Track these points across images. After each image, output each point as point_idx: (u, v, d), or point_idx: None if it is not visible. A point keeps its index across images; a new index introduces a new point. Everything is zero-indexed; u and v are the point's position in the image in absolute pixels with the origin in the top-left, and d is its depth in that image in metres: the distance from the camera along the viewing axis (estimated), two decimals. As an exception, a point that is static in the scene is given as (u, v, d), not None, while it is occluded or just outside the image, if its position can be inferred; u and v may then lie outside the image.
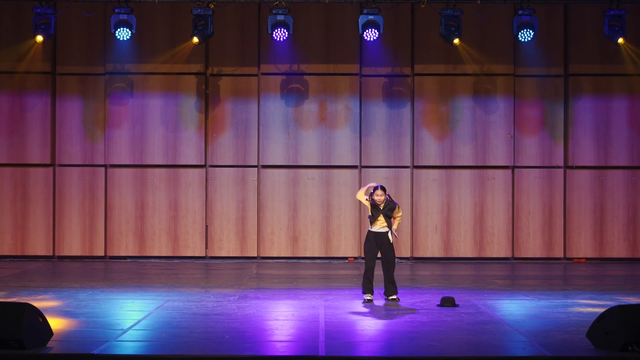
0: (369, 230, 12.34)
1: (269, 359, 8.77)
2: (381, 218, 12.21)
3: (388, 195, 12.31)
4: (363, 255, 12.92)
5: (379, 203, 12.21)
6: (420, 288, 13.97)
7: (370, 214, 12.30)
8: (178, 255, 17.98)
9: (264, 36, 17.64)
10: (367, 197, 12.34)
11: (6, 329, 8.71)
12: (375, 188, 12.30)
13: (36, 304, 9.37)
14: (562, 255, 18.07)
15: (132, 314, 11.25)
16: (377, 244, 12.24)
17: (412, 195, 18.04)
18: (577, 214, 18.07)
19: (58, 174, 17.99)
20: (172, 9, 17.81)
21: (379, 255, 12.32)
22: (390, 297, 12.25)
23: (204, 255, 18.00)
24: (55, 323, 9.84)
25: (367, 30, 16.51)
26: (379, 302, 12.24)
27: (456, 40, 16.70)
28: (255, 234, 18.02)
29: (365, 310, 11.56)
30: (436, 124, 18.07)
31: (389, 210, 12.22)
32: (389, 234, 12.22)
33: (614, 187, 18.08)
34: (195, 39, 16.62)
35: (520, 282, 15.19)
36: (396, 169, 18.06)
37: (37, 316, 9.02)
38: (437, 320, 10.81)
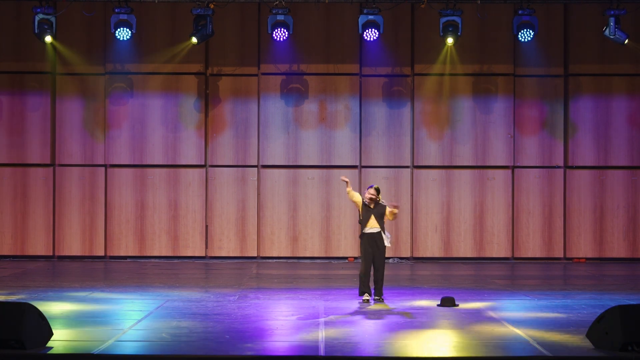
0: (362, 233, 12.22)
1: (269, 359, 8.77)
2: (372, 219, 12.15)
3: (379, 198, 12.21)
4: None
5: (369, 203, 12.12)
6: (420, 288, 13.97)
7: (360, 217, 12.23)
8: (178, 255, 17.98)
9: (264, 36, 17.64)
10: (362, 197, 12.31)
11: (6, 329, 8.71)
12: (370, 187, 12.28)
13: (36, 304, 9.36)
14: (562, 255, 18.08)
15: (132, 314, 11.25)
16: (370, 245, 12.16)
17: (412, 195, 18.05)
18: (577, 214, 18.07)
19: (58, 173, 18.00)
20: (172, 9, 17.81)
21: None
22: (376, 297, 12.24)
23: (204, 255, 18.00)
24: (56, 323, 9.84)
25: (367, 30, 16.52)
26: (377, 302, 12.22)
27: (450, 40, 16.69)
28: (255, 234, 18.02)
29: (365, 310, 11.55)
30: (436, 124, 18.07)
31: (380, 211, 12.15)
32: (383, 235, 12.15)
33: (614, 187, 18.09)
34: (194, 39, 16.63)
35: (520, 282, 15.19)
36: (396, 169, 18.07)
37: (37, 316, 9.02)
38: (437, 320, 10.81)
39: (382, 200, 12.31)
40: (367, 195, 12.14)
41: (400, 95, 18.07)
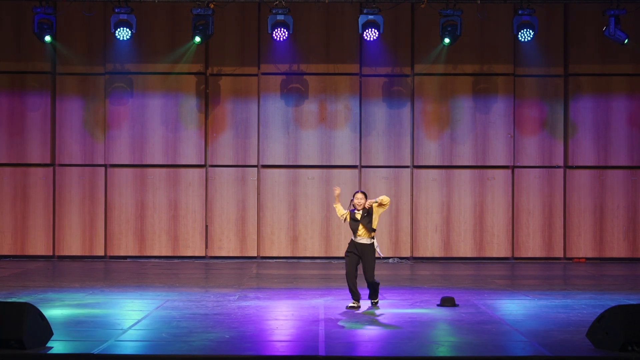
0: (351, 239, 11.73)
1: (269, 359, 8.77)
2: (361, 229, 11.59)
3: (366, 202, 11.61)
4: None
5: (358, 209, 11.59)
6: (420, 288, 13.97)
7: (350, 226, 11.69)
8: (178, 255, 17.98)
9: (264, 36, 17.64)
10: (348, 209, 11.76)
11: (6, 329, 8.71)
12: (356, 192, 11.77)
13: (36, 304, 9.37)
14: (562, 255, 18.08)
15: (132, 314, 11.25)
16: (358, 254, 11.62)
17: (412, 195, 18.04)
18: (577, 214, 18.07)
19: (58, 174, 18.00)
20: (172, 9, 17.81)
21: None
22: (372, 301, 11.82)
23: (204, 255, 18.00)
24: (56, 323, 9.84)
25: (367, 30, 16.51)
26: (369, 303, 12.12)
27: (450, 40, 16.69)
28: (255, 234, 18.02)
29: (365, 310, 11.54)
30: (436, 124, 18.07)
31: (367, 220, 11.59)
32: (374, 246, 11.58)
33: (614, 187, 18.09)
34: (198, 39, 16.60)
35: (520, 282, 15.19)
36: (396, 169, 18.06)
37: (37, 316, 9.03)
38: (437, 320, 10.82)
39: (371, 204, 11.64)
40: (355, 202, 11.63)
41: (400, 95, 18.07)
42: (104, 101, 17.98)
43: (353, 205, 11.73)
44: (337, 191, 11.98)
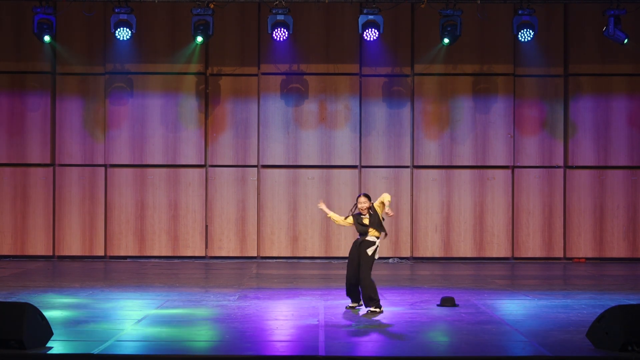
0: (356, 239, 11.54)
1: (269, 359, 8.77)
2: (372, 231, 11.33)
3: (372, 204, 11.40)
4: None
5: (363, 212, 11.33)
6: (420, 288, 13.97)
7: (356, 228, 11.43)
8: (178, 255, 17.98)
9: (264, 36, 17.64)
10: (352, 210, 11.50)
11: (6, 329, 8.72)
12: (359, 196, 11.51)
13: (36, 304, 9.37)
14: (562, 255, 18.08)
15: (132, 314, 11.25)
16: (355, 248, 11.43)
17: (412, 195, 18.04)
18: (577, 214, 18.07)
19: (58, 174, 18.00)
20: (172, 9, 17.81)
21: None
22: (368, 309, 11.39)
23: (204, 255, 18.00)
24: (56, 323, 9.84)
25: (367, 30, 16.51)
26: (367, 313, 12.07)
27: (449, 40, 16.70)
28: (255, 234, 18.02)
29: (365, 310, 11.53)
30: (436, 124, 18.07)
31: (377, 222, 11.30)
32: (369, 245, 11.29)
33: (614, 187, 18.09)
34: (200, 38, 16.59)
35: (520, 282, 15.19)
36: (396, 169, 18.06)
37: (37, 316, 9.03)
38: (437, 320, 10.82)
39: (376, 205, 11.41)
40: (359, 206, 11.40)
41: (400, 95, 18.07)
42: (104, 101, 17.98)
43: (358, 210, 11.44)
44: (321, 206, 11.97)
